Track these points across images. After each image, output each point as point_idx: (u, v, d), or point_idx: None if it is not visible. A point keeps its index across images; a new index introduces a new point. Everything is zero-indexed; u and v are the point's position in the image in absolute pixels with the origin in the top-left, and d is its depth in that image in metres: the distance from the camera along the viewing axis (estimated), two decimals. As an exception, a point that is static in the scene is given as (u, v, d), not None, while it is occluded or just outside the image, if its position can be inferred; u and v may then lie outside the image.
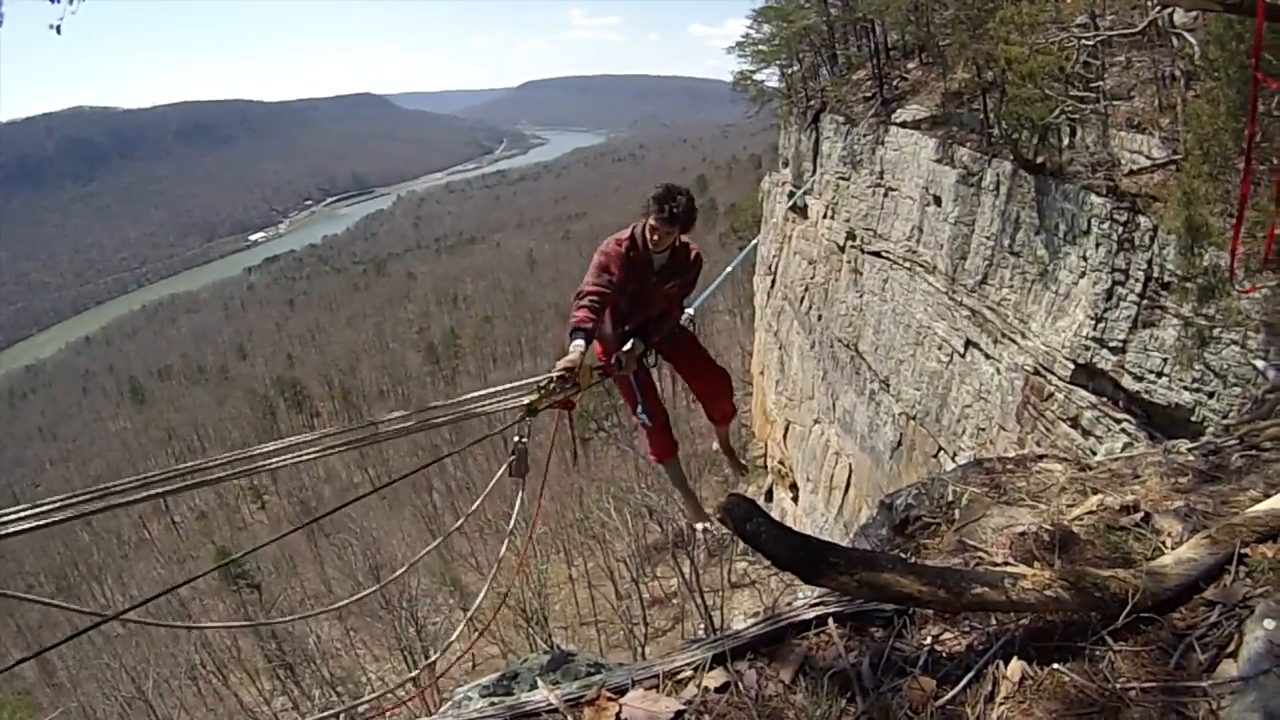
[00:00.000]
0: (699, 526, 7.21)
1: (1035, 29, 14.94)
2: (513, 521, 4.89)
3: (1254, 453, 4.68)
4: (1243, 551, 3.15)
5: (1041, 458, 5.16)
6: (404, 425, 3.95)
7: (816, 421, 32.58)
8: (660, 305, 5.69)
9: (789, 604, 3.50)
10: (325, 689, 37.53)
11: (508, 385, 4.44)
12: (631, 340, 5.53)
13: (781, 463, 38.18)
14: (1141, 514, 3.79)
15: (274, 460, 3.45)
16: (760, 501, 30.91)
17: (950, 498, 4.46)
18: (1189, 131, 11.08)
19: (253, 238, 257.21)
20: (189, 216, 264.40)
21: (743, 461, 8.32)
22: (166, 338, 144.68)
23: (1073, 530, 3.71)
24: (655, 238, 5.16)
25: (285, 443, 3.52)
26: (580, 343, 4.81)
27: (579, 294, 5.18)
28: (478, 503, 5.34)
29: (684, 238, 5.44)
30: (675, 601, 37.92)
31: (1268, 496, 3.71)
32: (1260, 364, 9.95)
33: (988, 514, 4.13)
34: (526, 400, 4.33)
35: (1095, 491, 4.21)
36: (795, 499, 35.92)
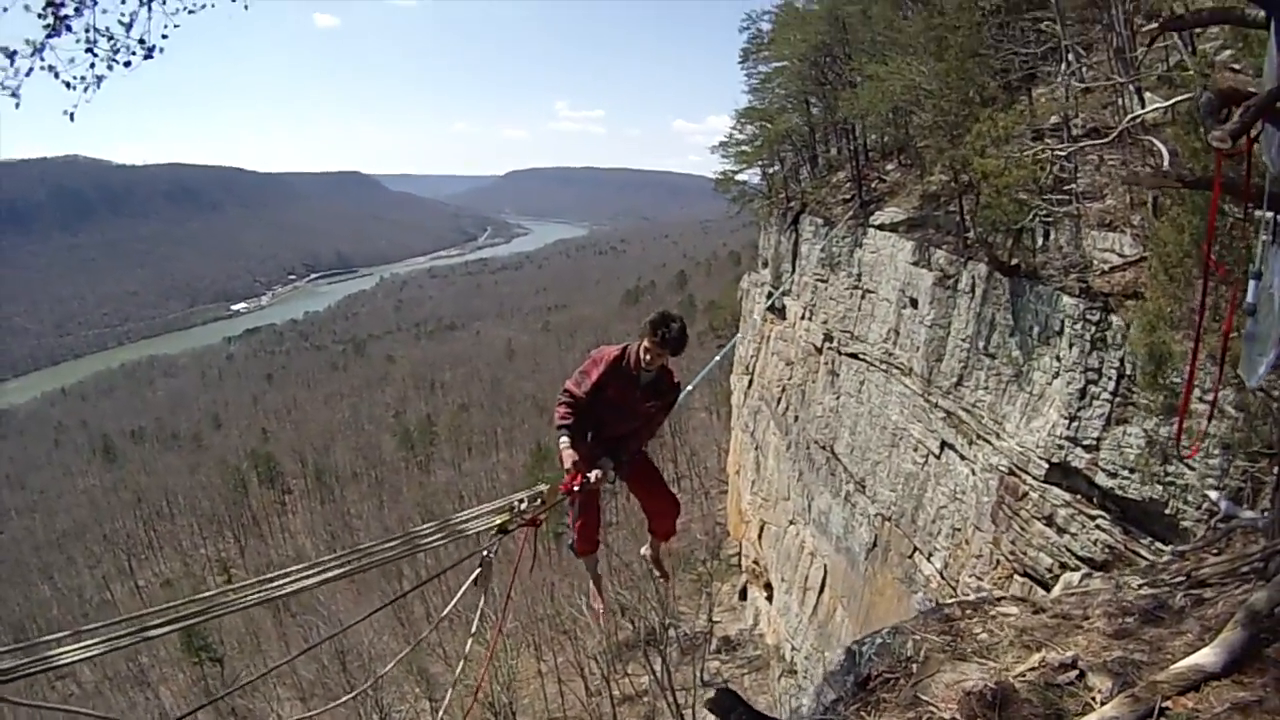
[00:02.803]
0: (596, 607, 7.54)
1: (1010, 140, 15.43)
2: (474, 625, 5.39)
3: (1197, 591, 5.00)
4: (1164, 705, 3.38)
5: (1000, 600, 5.36)
6: (389, 554, 4.18)
7: (792, 522, 32.38)
8: (636, 422, 5.93)
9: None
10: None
11: (485, 507, 4.76)
12: (601, 461, 5.73)
13: (756, 562, 37.82)
14: (1077, 671, 4.03)
15: (252, 595, 3.65)
16: (735, 600, 30.70)
17: (910, 651, 4.62)
18: (1154, 255, 11.39)
19: (234, 307, 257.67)
20: (172, 279, 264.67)
21: (668, 570, 8.70)
22: (142, 399, 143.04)
23: (1015, 687, 3.95)
24: (649, 358, 5.49)
25: (269, 577, 3.76)
26: (567, 439, 5.50)
27: (561, 391, 5.74)
28: (447, 609, 5.55)
29: (669, 364, 5.75)
30: (646, 699, 37.09)
31: (1201, 641, 4.01)
32: (1214, 494, 10.15)
33: (942, 670, 4.34)
34: (498, 520, 4.63)
35: (1040, 646, 4.44)
36: (769, 599, 35.49)
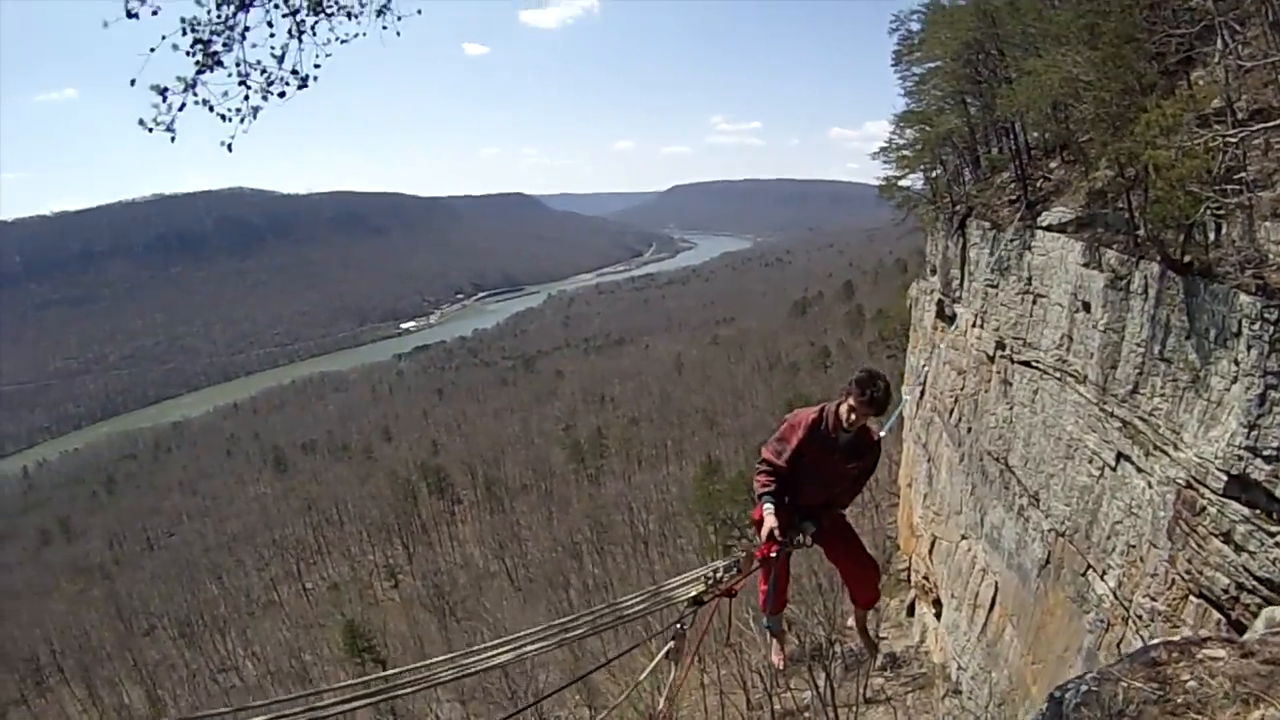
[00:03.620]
0: (776, 661, 7.46)
1: (1178, 129, 14.49)
2: (663, 701, 5.46)
3: None
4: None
5: (1206, 640, 4.97)
6: (600, 622, 4.35)
7: (964, 537, 31.20)
8: (839, 486, 5.85)
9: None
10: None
11: (682, 578, 4.88)
12: (803, 525, 5.70)
13: (926, 578, 36.68)
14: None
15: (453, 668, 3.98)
16: (902, 616, 30.00)
17: (1120, 703, 4.33)
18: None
19: (404, 325, 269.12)
20: (341, 300, 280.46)
21: (875, 642, 8.48)
22: (313, 413, 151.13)
23: (1237, 753, 3.61)
24: (853, 418, 5.41)
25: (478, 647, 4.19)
26: (771, 505, 5.37)
27: (760, 459, 5.68)
28: (641, 678, 5.67)
29: (870, 422, 5.69)
30: (807, 716, 36.52)
31: None
32: None
33: None
34: (693, 592, 4.74)
35: (1257, 700, 4.08)
36: (938, 616, 34.38)
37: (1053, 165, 26.35)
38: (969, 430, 30.60)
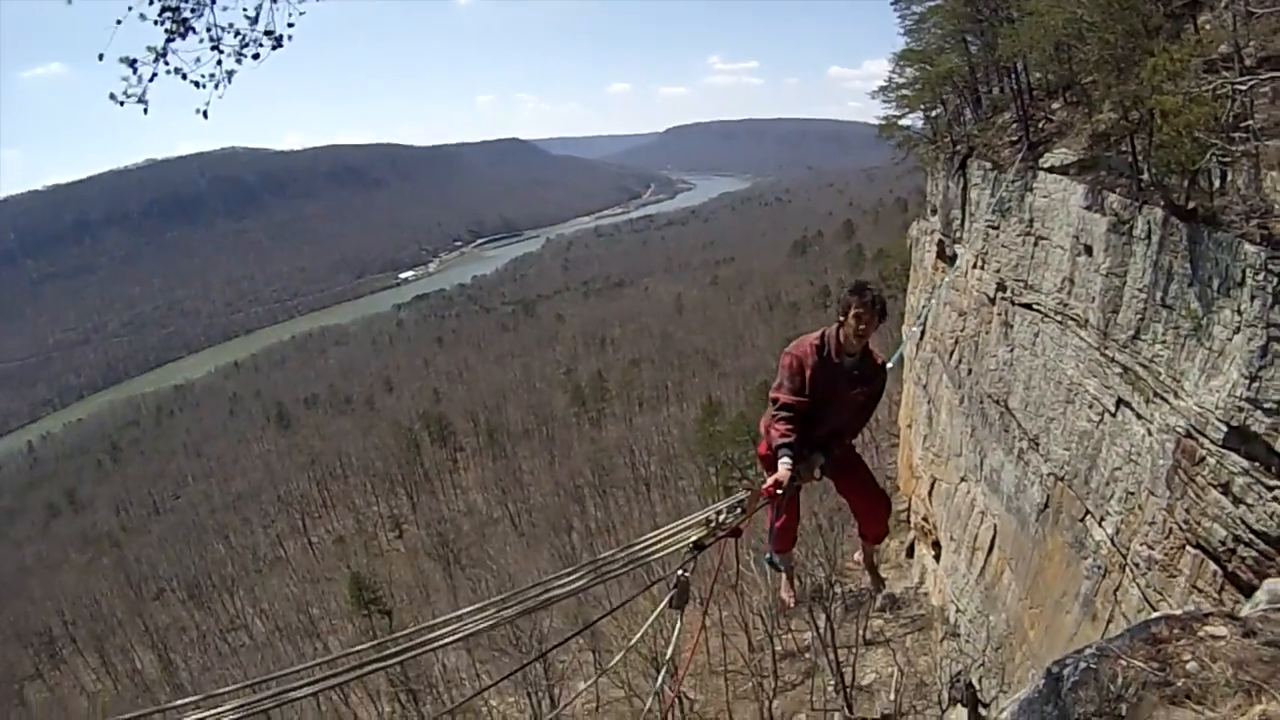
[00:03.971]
0: (787, 599, 7.34)
1: (1185, 75, 14.19)
2: (670, 651, 5.29)
3: None
4: None
5: (1208, 616, 4.89)
6: (575, 585, 4.02)
7: (963, 479, 31.28)
8: (846, 414, 5.66)
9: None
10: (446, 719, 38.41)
11: (679, 524, 4.61)
12: (812, 457, 5.49)
13: (925, 519, 36.91)
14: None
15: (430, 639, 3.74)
16: (901, 557, 30.25)
17: (1119, 686, 4.28)
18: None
19: (403, 275, 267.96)
20: (340, 254, 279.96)
21: (881, 577, 8.37)
22: (314, 368, 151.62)
23: (1237, 745, 3.58)
24: (862, 328, 5.25)
25: (450, 616, 3.80)
26: (788, 460, 5.06)
27: (774, 403, 5.39)
28: (637, 636, 5.54)
29: (871, 345, 5.52)
30: (808, 656, 37.04)
31: None
32: None
33: (1154, 716, 4.07)
34: (694, 537, 4.48)
35: (1259, 691, 4.04)
36: (937, 558, 34.67)
37: (1055, 106, 25.88)
38: (969, 372, 30.52)
